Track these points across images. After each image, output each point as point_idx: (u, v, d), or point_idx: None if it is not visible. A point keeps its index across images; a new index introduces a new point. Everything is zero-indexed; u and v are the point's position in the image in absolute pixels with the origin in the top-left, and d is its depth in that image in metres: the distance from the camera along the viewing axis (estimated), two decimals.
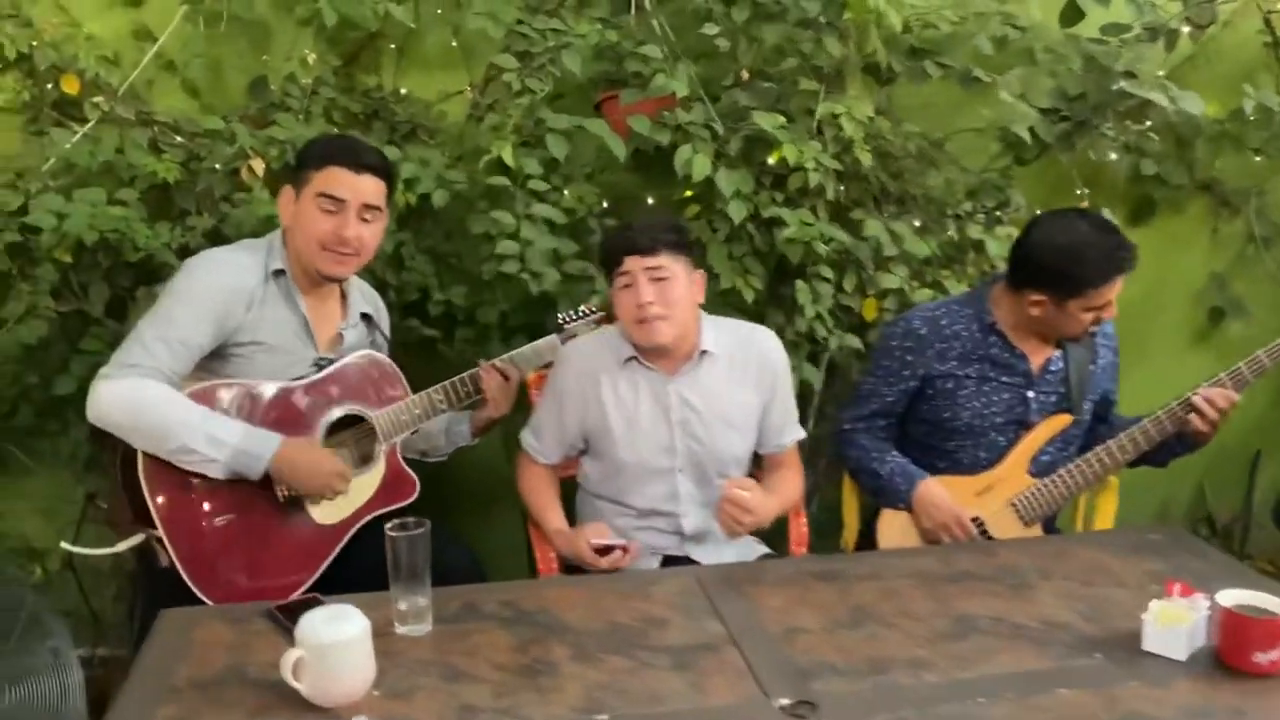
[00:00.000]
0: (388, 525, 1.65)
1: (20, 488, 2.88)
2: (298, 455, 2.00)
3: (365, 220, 2.11)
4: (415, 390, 2.25)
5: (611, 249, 2.13)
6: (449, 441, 2.39)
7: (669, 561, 2.19)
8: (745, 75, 2.82)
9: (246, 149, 2.60)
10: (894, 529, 2.31)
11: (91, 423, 1.93)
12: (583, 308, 2.47)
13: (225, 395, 2.01)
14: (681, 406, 2.18)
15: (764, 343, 2.26)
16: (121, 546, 1.96)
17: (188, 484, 1.95)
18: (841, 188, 2.76)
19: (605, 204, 2.82)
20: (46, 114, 2.64)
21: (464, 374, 2.28)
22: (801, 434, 2.33)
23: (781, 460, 2.31)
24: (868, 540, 2.37)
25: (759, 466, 2.33)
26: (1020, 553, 2.02)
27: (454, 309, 2.76)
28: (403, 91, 2.90)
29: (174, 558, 1.92)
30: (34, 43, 2.58)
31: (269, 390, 2.05)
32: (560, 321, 2.43)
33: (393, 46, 2.90)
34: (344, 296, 2.26)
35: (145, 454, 1.93)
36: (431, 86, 2.93)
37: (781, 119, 2.60)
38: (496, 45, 2.78)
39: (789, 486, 2.27)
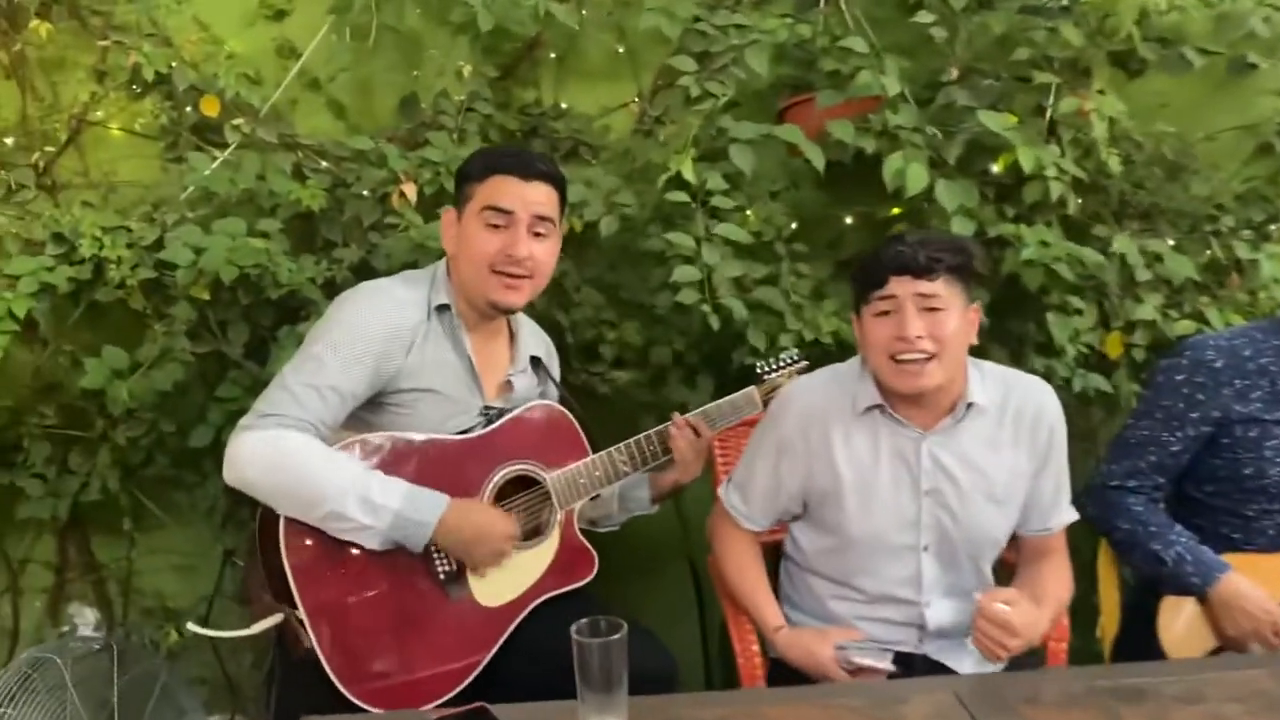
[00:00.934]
0: (574, 627, 1.32)
1: (156, 542, 2.67)
2: (465, 518, 1.69)
3: (538, 235, 1.80)
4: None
5: (876, 265, 1.70)
6: (623, 509, 2.03)
7: (901, 660, 1.78)
8: (954, 72, 2.42)
9: (397, 172, 2.35)
10: (1182, 621, 1.85)
11: (229, 484, 1.65)
12: (785, 355, 2.08)
13: (377, 451, 1.71)
14: (935, 472, 1.76)
15: (1041, 397, 1.80)
16: (257, 628, 1.67)
17: (336, 556, 1.65)
18: (1078, 200, 2.33)
19: (794, 225, 2.45)
20: (185, 139, 2.44)
21: (650, 431, 1.92)
22: (1074, 516, 1.87)
23: (1047, 546, 1.85)
24: (1139, 633, 1.92)
25: (1013, 550, 1.89)
26: None
27: (626, 348, 2.43)
28: (563, 105, 2.62)
29: (316, 644, 1.62)
30: (173, 63, 2.39)
31: (428, 446, 1.74)
32: (760, 372, 2.05)
33: (552, 56, 2.61)
34: (512, 337, 1.94)
35: (287, 519, 1.64)
36: (593, 99, 2.64)
37: (1013, 119, 2.19)
38: (666, 50, 2.49)
39: (1058, 584, 1.82)
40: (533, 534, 1.83)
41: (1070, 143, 2.27)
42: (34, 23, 2.37)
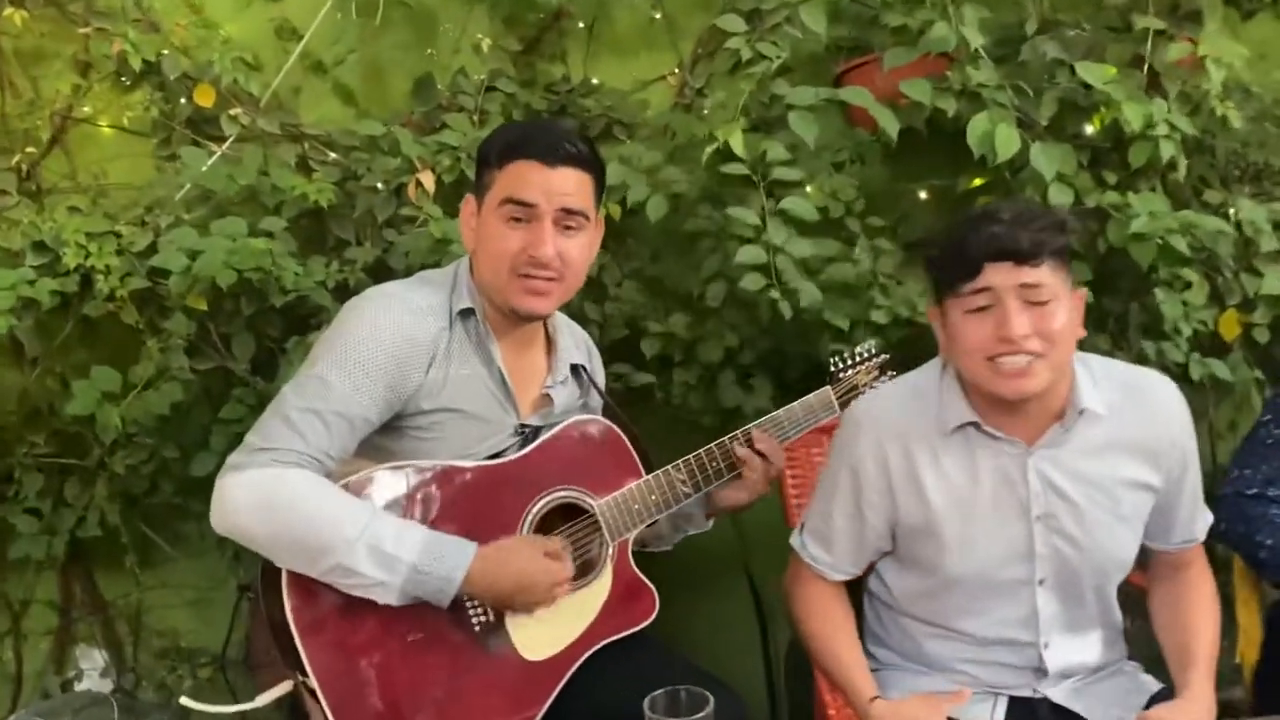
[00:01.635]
0: (648, 701, 1.08)
1: (165, 577, 2.46)
2: (501, 567, 1.43)
3: (567, 230, 1.52)
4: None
5: (966, 251, 1.39)
6: (677, 529, 1.77)
7: (1016, 706, 1.51)
8: (1034, 23, 2.15)
9: (413, 160, 2.12)
10: None
11: (219, 532, 1.42)
12: (860, 349, 1.80)
13: (393, 485, 1.45)
14: (1046, 493, 1.46)
15: (1164, 396, 1.51)
16: (262, 700, 1.44)
17: (351, 611, 1.40)
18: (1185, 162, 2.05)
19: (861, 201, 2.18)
20: (179, 133, 2.22)
21: (712, 445, 1.65)
22: (1210, 515, 1.59)
23: (1187, 559, 1.58)
24: None
25: (1143, 565, 1.61)
26: None
27: (672, 344, 2.18)
28: (594, 80, 2.38)
29: (331, 717, 1.37)
30: (163, 50, 2.17)
31: (454, 474, 1.49)
32: (834, 369, 1.77)
33: (580, 25, 2.37)
34: (550, 342, 1.68)
35: (291, 570, 1.40)
36: (627, 72, 2.42)
37: (1112, 70, 1.91)
38: (709, 13, 2.25)
39: (1205, 610, 1.53)
40: (583, 571, 1.57)
41: (1177, 96, 1.98)
42: (8, 10, 2.19)
